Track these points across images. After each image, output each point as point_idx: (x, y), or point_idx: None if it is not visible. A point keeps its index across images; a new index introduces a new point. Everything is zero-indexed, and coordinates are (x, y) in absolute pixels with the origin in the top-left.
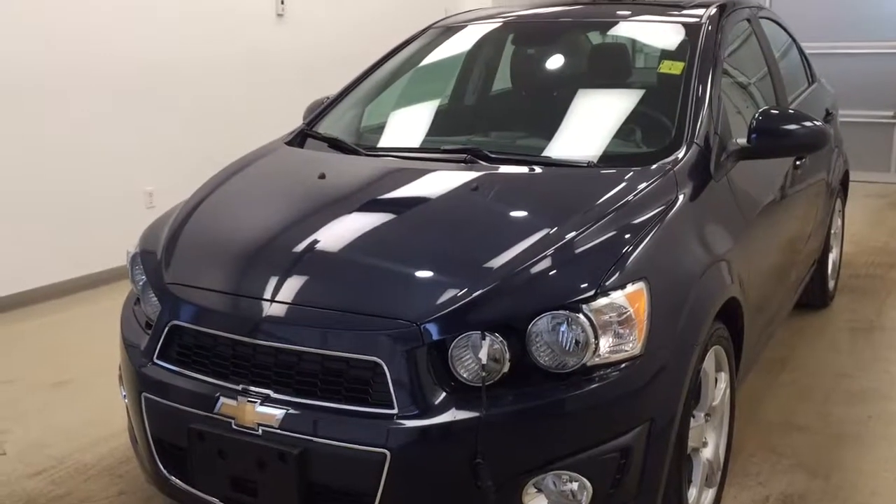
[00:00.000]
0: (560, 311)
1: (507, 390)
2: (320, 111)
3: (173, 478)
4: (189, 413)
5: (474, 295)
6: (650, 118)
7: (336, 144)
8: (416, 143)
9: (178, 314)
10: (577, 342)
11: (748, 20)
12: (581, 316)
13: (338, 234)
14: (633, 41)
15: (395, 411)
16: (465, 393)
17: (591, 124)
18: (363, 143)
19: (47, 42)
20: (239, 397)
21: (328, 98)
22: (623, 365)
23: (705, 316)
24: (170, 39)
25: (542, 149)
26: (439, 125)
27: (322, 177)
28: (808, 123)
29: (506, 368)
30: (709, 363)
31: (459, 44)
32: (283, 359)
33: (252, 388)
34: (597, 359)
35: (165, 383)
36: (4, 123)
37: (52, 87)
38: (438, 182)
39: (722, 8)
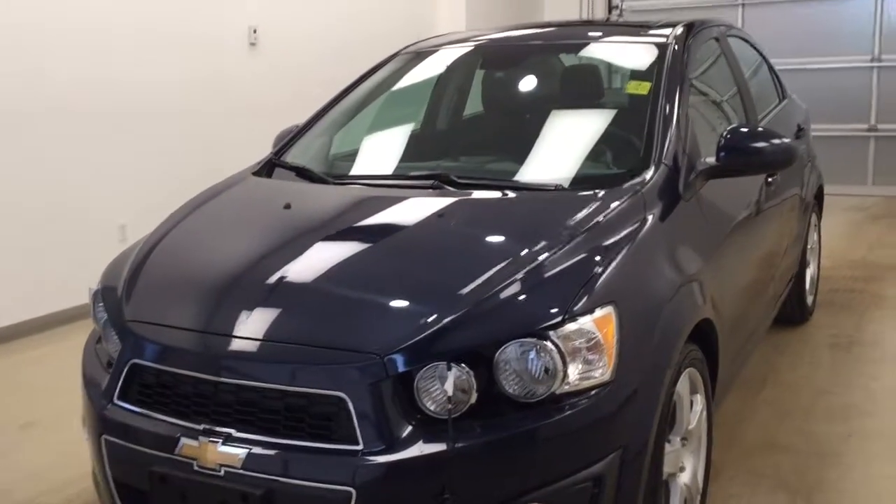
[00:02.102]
0: (527, 339)
1: (474, 422)
2: (288, 140)
3: None
4: (150, 455)
5: (440, 325)
6: (619, 139)
7: (303, 173)
8: (385, 170)
9: (138, 352)
10: (545, 370)
11: (716, 39)
12: (549, 343)
13: (301, 266)
14: (602, 62)
15: (360, 447)
16: (433, 426)
17: (559, 147)
18: (332, 172)
19: (15, 71)
20: (200, 437)
21: (297, 126)
22: (593, 392)
23: (677, 338)
24: (142, 68)
25: (512, 173)
26: (409, 151)
27: (287, 207)
28: (775, 141)
29: (473, 399)
30: (682, 386)
31: (430, 68)
32: (245, 396)
33: (214, 428)
34: (566, 386)
35: (126, 425)
36: None
37: (19, 115)
38: (405, 210)
39: (689, 28)
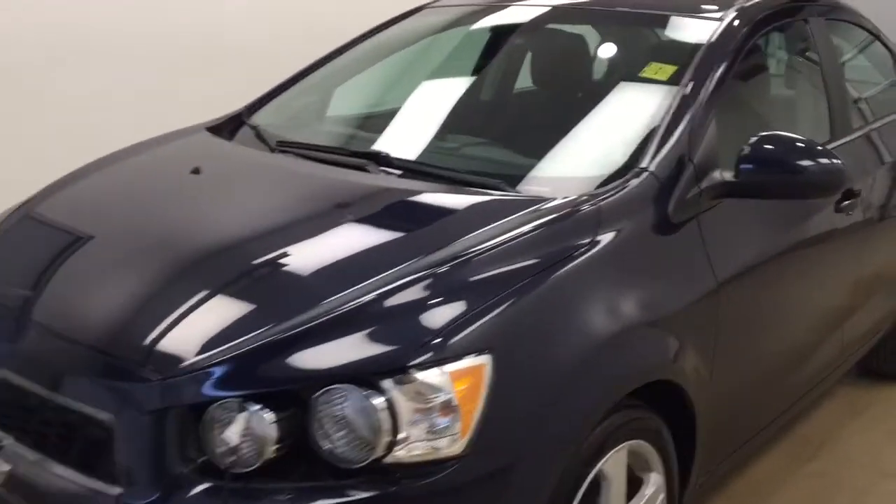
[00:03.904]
0: (350, 386)
1: (268, 483)
2: (264, 95)
3: None
4: None
5: (247, 348)
6: (608, 135)
7: (261, 136)
8: (338, 142)
9: None
10: (371, 429)
11: (805, 21)
12: (379, 395)
13: (139, 247)
14: (625, 39)
15: (118, 491)
16: (221, 478)
17: (533, 138)
18: (287, 137)
19: None
20: None
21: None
22: (438, 467)
23: (600, 401)
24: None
25: (472, 161)
26: (379, 122)
27: (196, 172)
28: (822, 159)
29: (270, 454)
30: (616, 465)
31: (446, 31)
32: (26, 400)
33: None
34: (399, 454)
35: None
36: None
37: None
38: (307, 193)
39: (758, 7)
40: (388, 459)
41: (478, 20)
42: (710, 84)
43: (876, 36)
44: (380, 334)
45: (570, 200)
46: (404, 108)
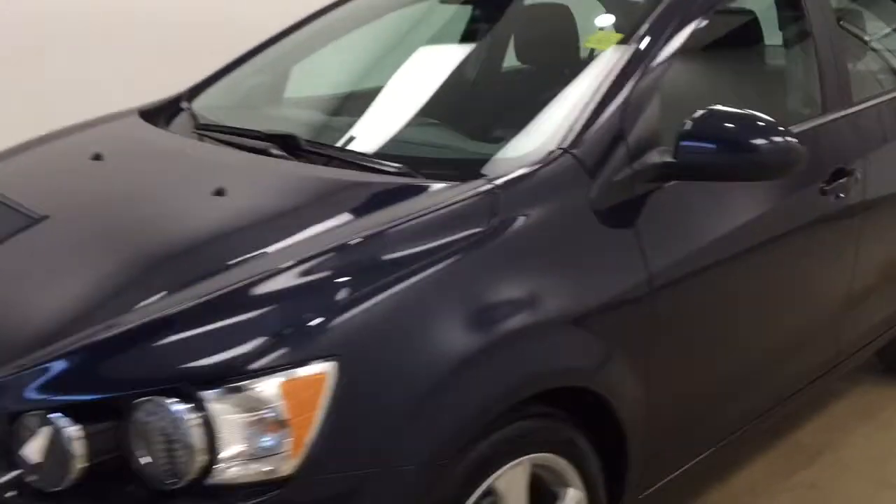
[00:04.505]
0: (160, 398)
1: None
2: (210, 76)
3: None
4: None
5: (61, 352)
6: (531, 112)
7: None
8: (259, 124)
9: None
10: (186, 447)
11: None
12: (194, 408)
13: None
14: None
15: None
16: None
17: (466, 118)
18: (217, 120)
19: None
20: None
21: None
22: (265, 491)
23: (481, 413)
24: None
25: (393, 145)
26: (327, 104)
27: (97, 158)
28: (773, 137)
29: (77, 472)
30: (510, 480)
31: (411, 5)
32: None
33: None
34: (226, 474)
35: None
36: None
37: None
38: (196, 177)
39: None
40: (214, 480)
41: None
42: (658, 53)
43: None
44: (204, 339)
45: (466, 185)
46: (355, 88)
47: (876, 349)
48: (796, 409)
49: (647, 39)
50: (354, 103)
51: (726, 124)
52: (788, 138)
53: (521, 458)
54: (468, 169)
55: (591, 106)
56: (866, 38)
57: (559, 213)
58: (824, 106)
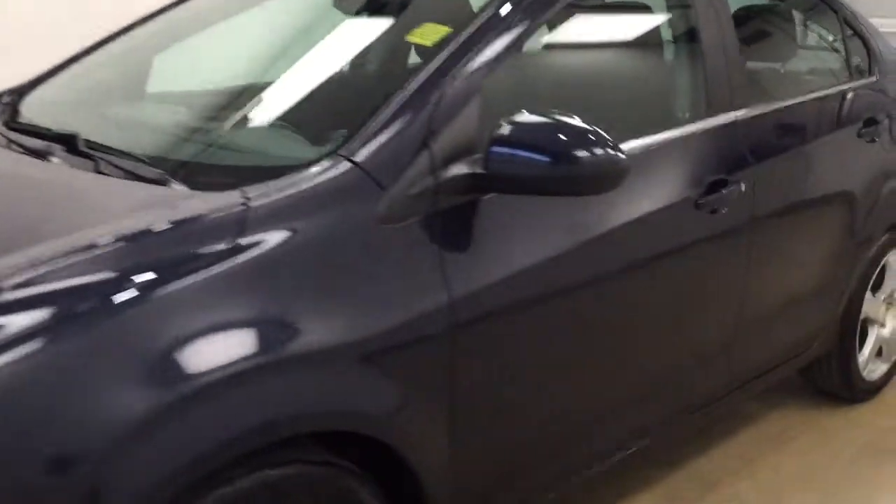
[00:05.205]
0: None
1: None
2: (42, 74)
3: None
4: None
5: None
6: (325, 115)
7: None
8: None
9: None
10: None
11: None
12: None
13: None
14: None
15: None
16: None
17: (262, 116)
18: (31, 118)
19: None
20: None
21: None
22: None
23: (196, 461)
24: None
25: (174, 143)
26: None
27: None
28: (597, 149)
29: None
30: None
31: None
32: None
33: None
34: None
35: None
36: None
37: None
38: None
39: None
40: None
41: None
42: (485, 49)
43: None
44: None
45: (216, 197)
46: (214, 83)
47: (782, 376)
48: (693, 435)
49: (472, 33)
50: (200, 100)
51: (539, 131)
52: (609, 149)
53: None
54: (244, 177)
55: (388, 109)
56: (796, 36)
57: (335, 230)
58: (709, 110)
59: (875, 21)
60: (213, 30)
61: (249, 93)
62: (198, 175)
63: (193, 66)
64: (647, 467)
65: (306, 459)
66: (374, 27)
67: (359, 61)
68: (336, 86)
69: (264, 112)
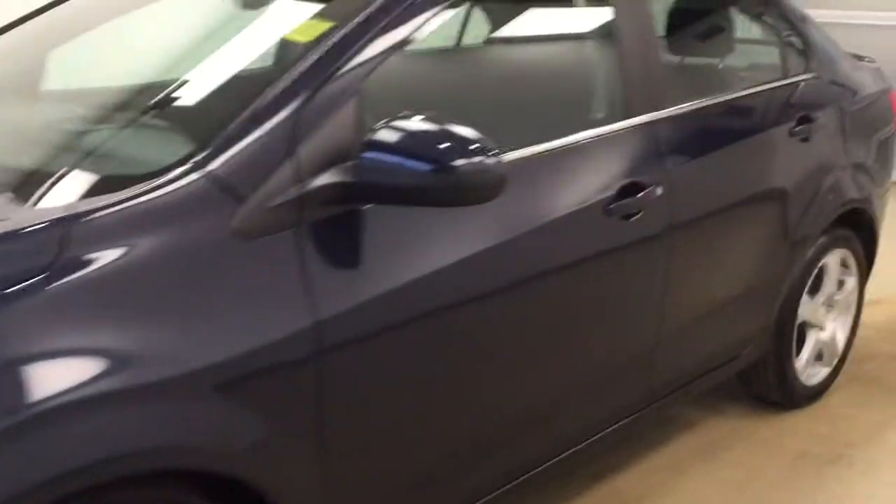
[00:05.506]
0: None
1: None
2: None
3: None
4: None
5: None
6: (188, 120)
7: None
8: None
9: None
10: None
11: None
12: None
13: None
14: None
15: None
16: None
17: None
18: None
19: None
20: None
21: None
22: None
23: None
24: None
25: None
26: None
27: None
28: (476, 158)
29: None
30: None
31: None
32: None
33: None
34: None
35: None
36: None
37: None
38: None
39: None
40: None
41: None
42: (365, 47)
43: None
44: None
45: (34, 213)
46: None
47: (712, 384)
48: (616, 447)
49: (351, 29)
50: (99, 99)
51: (413, 136)
52: (489, 160)
53: None
54: (96, 187)
55: (246, 113)
56: (733, 31)
57: (181, 246)
58: (626, 110)
59: (821, 13)
60: (95, 29)
61: (122, 93)
62: (38, 184)
63: (67, 66)
64: (568, 480)
65: (154, 498)
66: (270, 24)
67: (244, 60)
68: (212, 87)
69: (129, 114)
